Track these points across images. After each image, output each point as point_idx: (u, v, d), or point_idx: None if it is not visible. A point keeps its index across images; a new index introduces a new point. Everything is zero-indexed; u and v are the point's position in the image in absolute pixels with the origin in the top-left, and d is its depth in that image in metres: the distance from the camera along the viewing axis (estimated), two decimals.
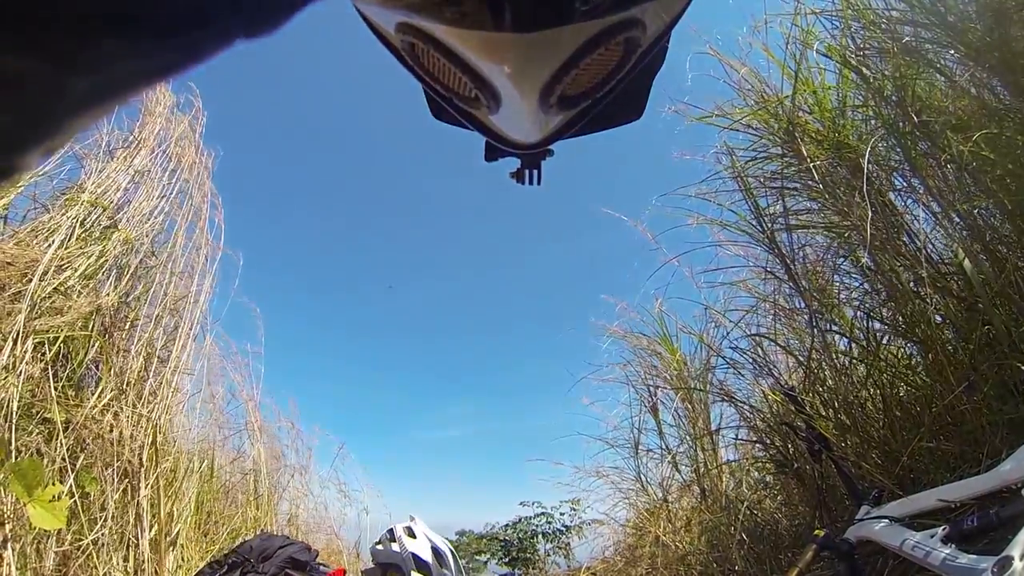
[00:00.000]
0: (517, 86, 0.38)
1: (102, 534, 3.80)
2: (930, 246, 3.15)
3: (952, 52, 3.11)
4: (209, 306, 5.81)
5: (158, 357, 4.90)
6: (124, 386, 4.39)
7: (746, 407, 4.47)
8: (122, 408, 4.24)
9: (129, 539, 4.01)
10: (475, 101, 0.41)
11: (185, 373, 5.30)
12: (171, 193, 5.57)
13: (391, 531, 3.11)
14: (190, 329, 5.39)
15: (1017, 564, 1.69)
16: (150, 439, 4.32)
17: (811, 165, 3.40)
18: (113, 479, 4.03)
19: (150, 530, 4.10)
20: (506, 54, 0.35)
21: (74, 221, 4.41)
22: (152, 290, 5.06)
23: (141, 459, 4.21)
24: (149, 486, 4.20)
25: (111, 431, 4.08)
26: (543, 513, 9.43)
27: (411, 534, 3.05)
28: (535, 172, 0.66)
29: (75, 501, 3.64)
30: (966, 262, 2.88)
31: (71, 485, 3.62)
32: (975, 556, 1.89)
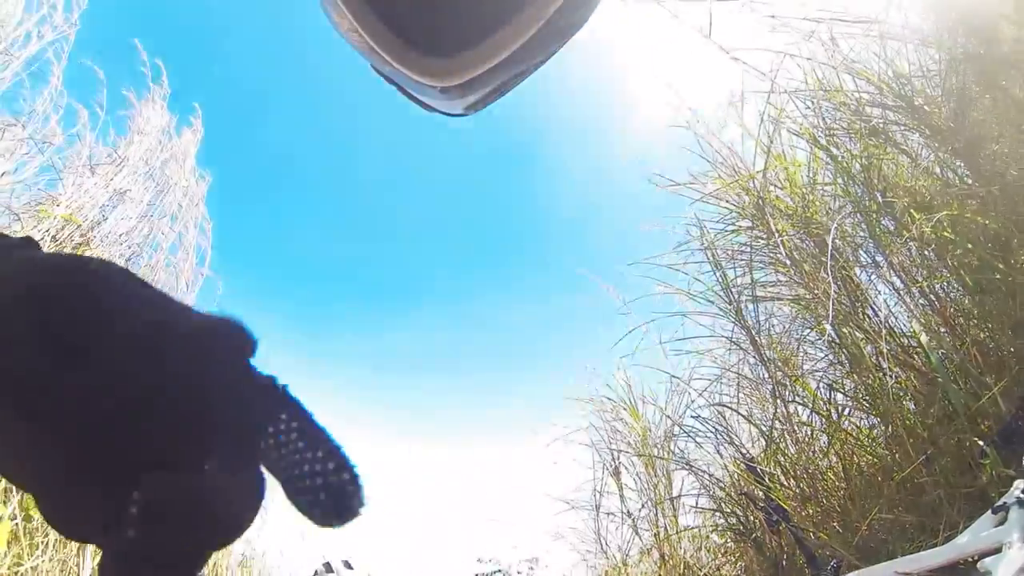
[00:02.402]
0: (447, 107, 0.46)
1: (42, 561, 3.65)
2: (892, 320, 3.22)
3: (917, 135, 3.23)
4: None
5: None
6: None
7: (706, 476, 4.47)
8: None
9: (71, 568, 3.84)
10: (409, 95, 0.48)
11: None
12: (153, 214, 5.48)
13: (327, 564, 3.05)
14: None
15: None
16: None
17: (779, 240, 3.48)
18: None
19: (93, 560, 3.93)
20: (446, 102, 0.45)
21: (45, 235, 4.33)
22: None
23: None
24: None
25: None
26: (499, 571, 9.23)
27: (348, 566, 3.00)
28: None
29: (17, 524, 3.51)
30: (923, 336, 2.95)
31: (14, 508, 3.49)
32: None
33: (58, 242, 4.48)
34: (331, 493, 0.39)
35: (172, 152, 5.87)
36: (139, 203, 5.34)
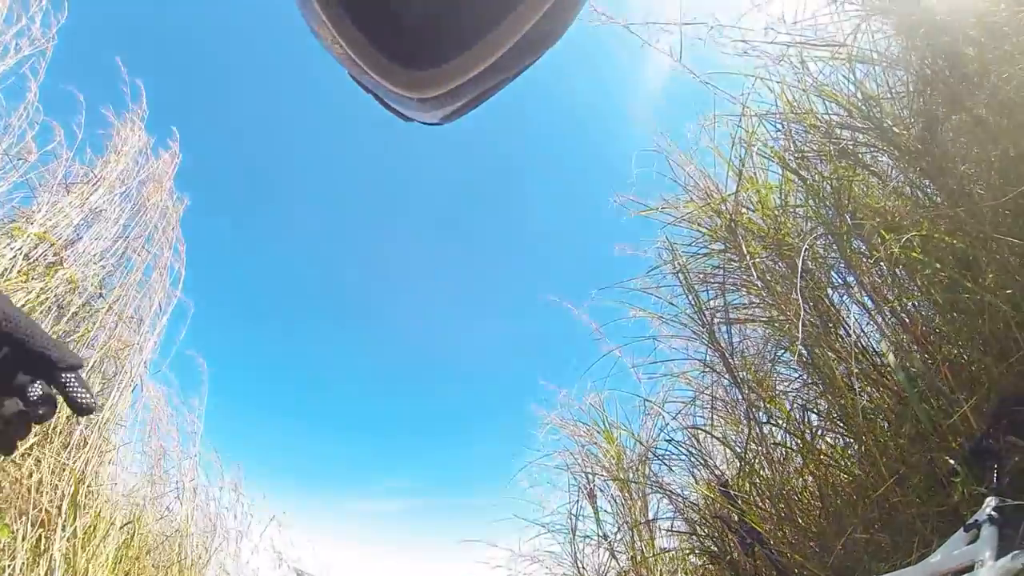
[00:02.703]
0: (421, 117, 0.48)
1: None
2: (865, 340, 3.24)
3: (886, 156, 3.27)
4: (154, 356, 5.63)
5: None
6: (49, 431, 4.19)
7: (680, 499, 4.45)
8: (44, 455, 4.04)
9: None
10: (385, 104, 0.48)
11: (119, 424, 5.07)
12: (129, 235, 5.43)
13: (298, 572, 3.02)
14: (130, 378, 5.19)
15: None
16: (72, 489, 4.10)
17: (751, 262, 3.49)
18: (27, 528, 3.79)
19: None
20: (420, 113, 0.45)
21: (18, 253, 4.27)
22: (94, 333, 4.88)
23: (60, 509, 3.98)
24: (65, 539, 3.96)
25: (30, 476, 3.86)
26: None
27: None
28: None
29: None
30: (891, 356, 2.96)
31: None
32: None
33: (31, 260, 4.42)
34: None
35: (149, 173, 5.84)
36: (114, 223, 5.29)
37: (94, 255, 5.00)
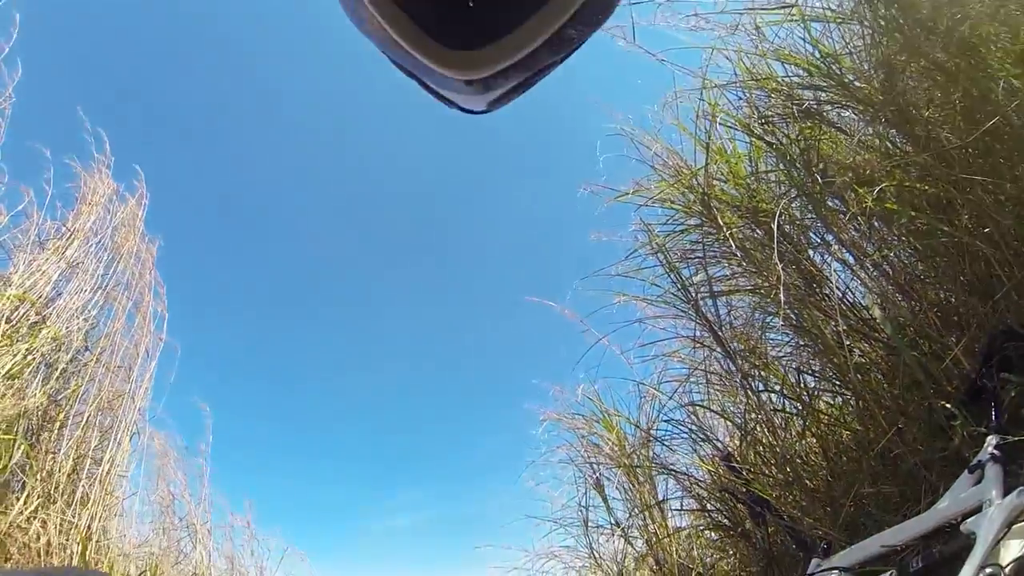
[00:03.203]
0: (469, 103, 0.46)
1: None
2: (851, 296, 3.25)
3: (850, 111, 3.27)
4: (148, 402, 5.59)
5: (91, 458, 4.66)
6: (52, 491, 4.15)
7: (685, 477, 4.45)
8: (50, 515, 4.00)
9: None
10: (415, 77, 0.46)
11: (121, 475, 5.02)
12: (107, 284, 5.40)
13: None
14: (127, 427, 5.15)
15: None
16: (80, 548, 4.06)
17: (728, 233, 3.49)
18: None
19: None
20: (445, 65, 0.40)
21: None
22: (84, 387, 4.84)
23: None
24: None
25: (38, 539, 3.83)
26: None
27: None
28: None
29: None
30: (876, 309, 2.97)
31: None
32: None
33: (12, 323, 4.39)
34: None
35: (120, 219, 5.81)
36: (92, 275, 5.27)
37: (76, 309, 4.97)
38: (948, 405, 2.52)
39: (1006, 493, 1.83)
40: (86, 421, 4.70)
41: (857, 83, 3.13)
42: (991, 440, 2.06)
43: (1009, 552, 1.75)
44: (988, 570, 1.71)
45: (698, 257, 3.91)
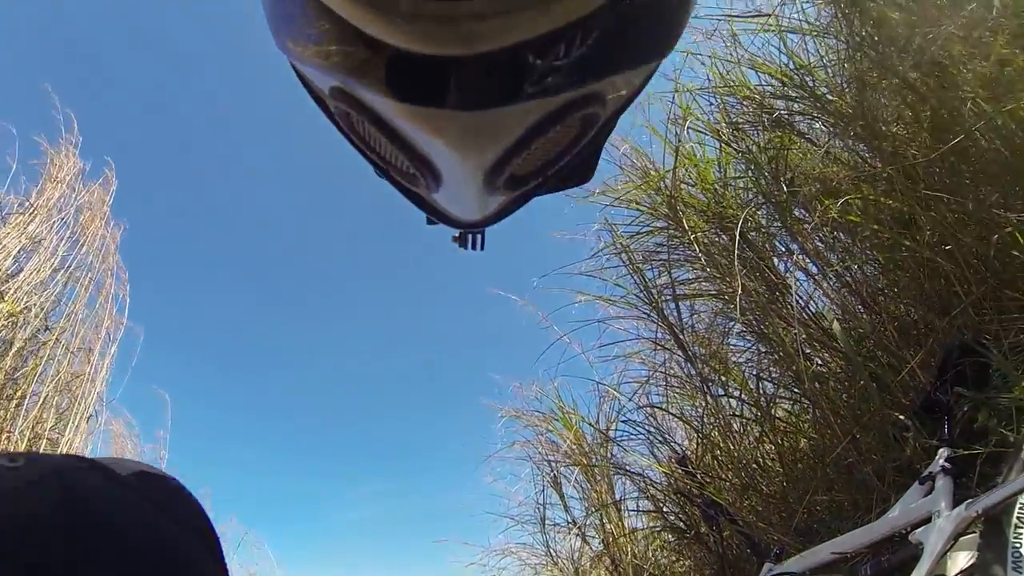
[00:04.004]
0: (461, 167, 0.34)
1: None
2: (813, 306, 3.29)
3: (820, 123, 3.32)
4: (107, 386, 5.50)
5: (47, 439, 4.57)
6: None
7: (641, 478, 4.48)
8: None
9: None
10: (413, 178, 0.37)
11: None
12: (70, 265, 5.30)
13: None
14: (84, 409, 5.06)
15: None
16: None
17: (692, 237, 3.51)
18: None
19: None
20: (449, 132, 0.30)
21: None
22: (42, 367, 4.74)
23: None
24: None
25: None
26: None
27: None
28: (478, 237, 0.64)
29: None
30: (835, 323, 3.02)
31: None
32: None
33: None
34: None
35: (86, 200, 5.72)
36: (54, 252, 5.18)
37: (35, 285, 4.86)
38: (902, 417, 2.57)
39: (955, 505, 1.87)
40: (43, 401, 4.61)
41: (829, 96, 3.17)
42: (942, 452, 2.11)
43: (956, 563, 1.80)
44: None
45: (662, 259, 3.93)
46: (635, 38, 0.29)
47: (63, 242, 5.25)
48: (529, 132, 0.31)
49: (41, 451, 4.36)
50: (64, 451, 4.63)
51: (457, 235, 0.64)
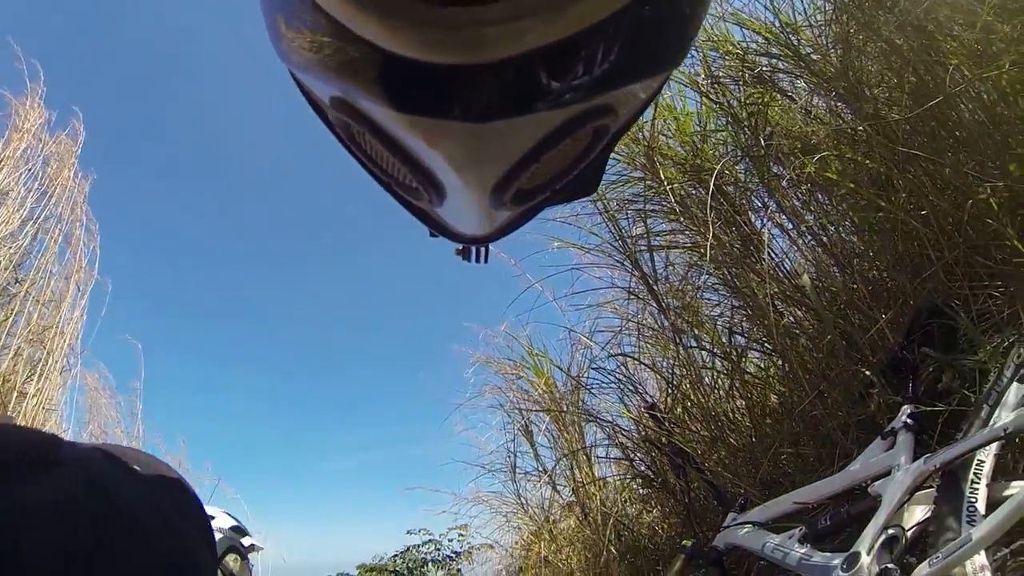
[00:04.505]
0: (465, 182, 0.32)
1: None
2: (787, 263, 3.34)
3: (803, 82, 3.32)
4: (79, 337, 5.46)
5: (19, 391, 4.55)
6: None
7: (609, 426, 4.54)
8: None
9: None
10: (415, 191, 0.35)
11: (50, 409, 4.92)
12: (38, 216, 5.22)
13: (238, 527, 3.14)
14: (56, 361, 5.03)
15: (864, 558, 1.79)
16: None
17: (669, 188, 3.52)
18: None
19: None
20: (452, 145, 0.29)
21: None
22: (13, 319, 4.70)
23: None
24: None
25: None
26: (431, 540, 9.30)
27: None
28: (482, 250, 0.62)
29: None
30: (804, 277, 3.06)
31: None
32: (828, 554, 1.98)
33: None
34: None
35: (52, 151, 5.63)
36: (22, 204, 5.10)
37: (4, 237, 4.80)
38: (869, 374, 2.63)
39: (914, 459, 1.94)
40: (15, 353, 4.58)
41: (814, 55, 3.16)
42: (905, 409, 2.17)
43: (912, 516, 1.87)
44: (891, 531, 1.82)
45: (638, 209, 3.93)
46: (648, 46, 0.28)
47: (31, 193, 5.18)
48: (538, 145, 0.30)
49: (12, 404, 4.36)
50: (34, 401, 4.63)
51: (460, 248, 0.63)
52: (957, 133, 2.62)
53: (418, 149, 0.30)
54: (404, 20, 0.22)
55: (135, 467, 0.52)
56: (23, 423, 4.36)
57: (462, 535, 8.80)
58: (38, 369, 4.77)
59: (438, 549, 9.26)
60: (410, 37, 0.22)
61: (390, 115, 0.28)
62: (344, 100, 0.29)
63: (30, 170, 5.23)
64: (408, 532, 9.49)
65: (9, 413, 4.28)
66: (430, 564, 9.24)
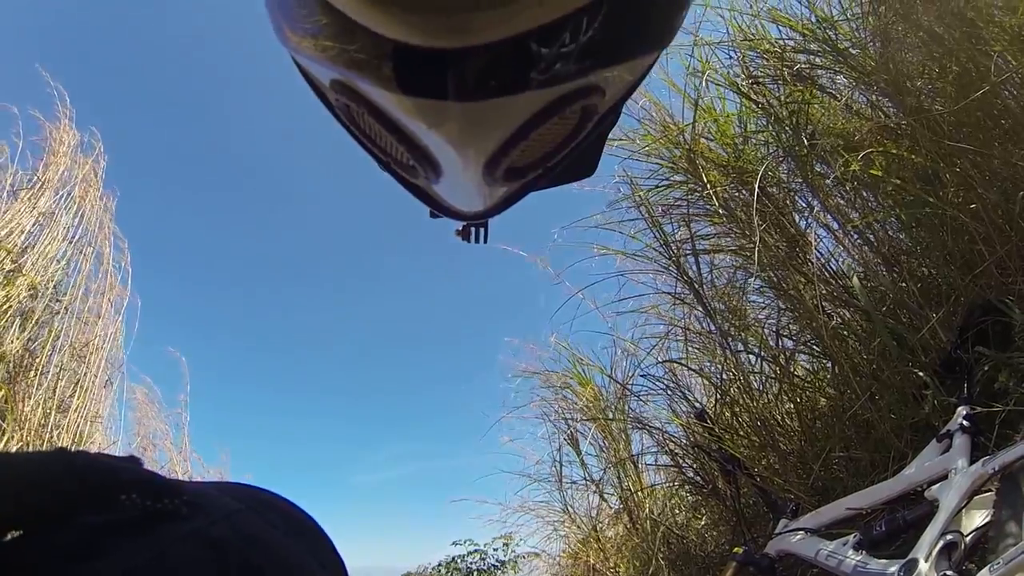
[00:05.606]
0: (459, 158, 0.34)
1: None
2: (834, 263, 3.27)
3: (843, 77, 3.26)
4: (120, 351, 5.63)
5: (60, 406, 4.69)
6: (27, 436, 4.18)
7: (658, 433, 4.50)
8: None
9: None
10: (413, 170, 0.37)
11: (94, 420, 5.06)
12: (75, 236, 5.40)
13: None
14: (98, 376, 5.18)
15: (922, 565, 1.73)
16: None
17: (712, 191, 3.48)
18: None
19: None
20: (448, 123, 0.30)
21: None
22: (54, 336, 4.85)
23: None
24: None
25: None
26: (476, 551, 9.32)
27: None
28: (482, 230, 0.65)
29: None
30: (855, 278, 3.00)
31: None
32: (884, 561, 1.92)
33: None
34: None
35: (83, 172, 5.81)
36: (63, 225, 5.28)
37: (49, 258, 4.96)
38: (922, 375, 2.56)
39: (972, 462, 1.88)
40: (60, 369, 4.72)
41: (852, 50, 3.10)
42: (961, 411, 2.11)
43: (972, 520, 1.80)
44: (949, 536, 1.76)
45: (681, 213, 3.89)
46: (634, 29, 0.29)
47: (69, 214, 5.35)
48: (526, 123, 0.31)
49: (58, 420, 4.48)
50: (80, 414, 4.76)
51: (460, 228, 0.65)
52: (1004, 122, 2.55)
53: (413, 128, 0.32)
54: (399, 6, 0.23)
55: (273, 517, 0.51)
56: (68, 436, 4.49)
57: (507, 544, 8.82)
58: (82, 384, 4.91)
59: (483, 559, 9.29)
60: (405, 22, 0.24)
61: (386, 96, 0.29)
62: (344, 83, 0.31)
63: (68, 192, 5.41)
64: (454, 543, 9.54)
65: (55, 425, 4.41)
66: (476, 573, 9.27)
